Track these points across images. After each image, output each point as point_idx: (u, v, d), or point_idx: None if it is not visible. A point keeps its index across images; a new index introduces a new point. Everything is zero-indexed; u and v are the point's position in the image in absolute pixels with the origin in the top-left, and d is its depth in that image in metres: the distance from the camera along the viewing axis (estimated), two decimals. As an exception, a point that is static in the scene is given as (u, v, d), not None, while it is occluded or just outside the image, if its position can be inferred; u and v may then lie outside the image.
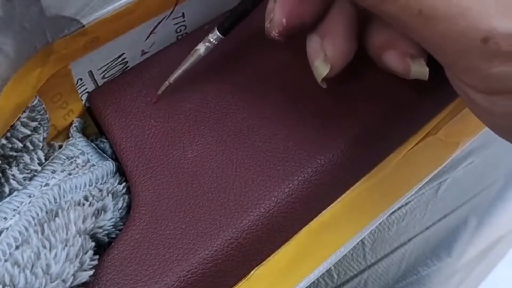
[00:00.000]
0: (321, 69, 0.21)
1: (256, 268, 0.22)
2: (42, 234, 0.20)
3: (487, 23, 0.15)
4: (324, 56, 0.20)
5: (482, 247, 0.49)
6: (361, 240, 0.37)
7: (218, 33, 0.23)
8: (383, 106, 0.23)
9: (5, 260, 0.19)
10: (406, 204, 0.39)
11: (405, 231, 0.41)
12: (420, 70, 0.20)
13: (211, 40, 0.23)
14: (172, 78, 0.24)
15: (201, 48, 0.23)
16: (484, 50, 0.15)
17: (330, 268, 0.36)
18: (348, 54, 0.21)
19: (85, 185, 0.22)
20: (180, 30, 0.26)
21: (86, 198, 0.22)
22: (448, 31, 0.16)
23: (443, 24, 0.16)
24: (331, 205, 0.23)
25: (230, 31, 0.22)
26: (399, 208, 0.39)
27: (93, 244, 0.20)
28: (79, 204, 0.21)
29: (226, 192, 0.21)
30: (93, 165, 0.24)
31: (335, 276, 0.38)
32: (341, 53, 0.20)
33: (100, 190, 0.22)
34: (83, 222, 0.20)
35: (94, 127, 0.27)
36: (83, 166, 0.24)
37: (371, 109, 0.23)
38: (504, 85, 0.16)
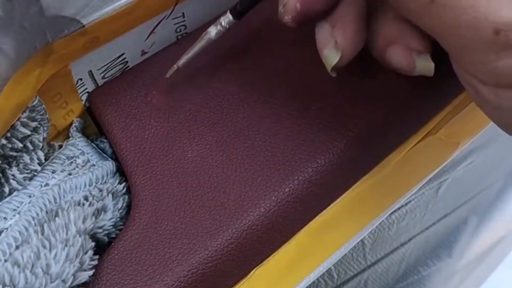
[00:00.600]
0: (331, 57, 0.20)
1: (256, 268, 0.22)
2: (42, 234, 0.20)
3: (498, 15, 0.15)
4: (334, 43, 0.20)
5: (482, 247, 0.49)
6: (361, 240, 0.37)
7: (230, 16, 0.22)
8: (383, 106, 0.23)
9: (5, 260, 0.19)
10: (406, 204, 0.39)
11: (405, 231, 0.41)
12: (425, 65, 0.20)
13: (223, 23, 0.22)
14: (180, 62, 0.23)
15: (212, 31, 0.22)
16: (494, 42, 0.15)
17: (330, 268, 0.36)
18: (358, 43, 0.20)
19: (85, 185, 0.22)
20: (180, 30, 0.26)
21: (86, 198, 0.22)
22: (459, 21, 0.15)
23: (453, 14, 0.15)
24: (331, 205, 0.23)
25: (244, 14, 0.22)
26: (399, 208, 0.39)
27: (93, 244, 0.20)
28: (79, 204, 0.21)
29: (226, 192, 0.21)
30: (93, 165, 0.24)
31: (335, 276, 0.38)
32: (351, 41, 0.20)
33: (100, 190, 0.22)
34: (83, 222, 0.20)
35: (94, 127, 0.27)
36: (83, 166, 0.24)
37: (371, 109, 0.23)
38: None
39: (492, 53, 0.15)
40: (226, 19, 0.22)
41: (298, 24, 0.20)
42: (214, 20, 0.26)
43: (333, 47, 0.20)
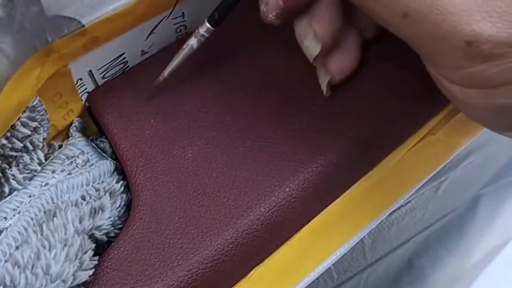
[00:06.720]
0: (312, 48, 0.21)
1: (256, 268, 0.22)
2: (41, 234, 0.20)
3: (470, 27, 0.15)
4: (313, 34, 0.21)
5: (486, 248, 0.49)
6: (361, 240, 0.37)
7: (208, 25, 0.22)
8: (383, 106, 0.23)
9: (5, 261, 0.19)
10: (406, 204, 0.39)
11: (405, 231, 0.41)
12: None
13: (202, 33, 0.22)
14: (165, 73, 0.24)
15: (193, 42, 0.23)
16: (466, 52, 0.16)
17: (330, 268, 0.36)
18: (335, 32, 0.21)
19: (82, 185, 0.22)
20: (180, 30, 0.26)
21: (83, 198, 0.22)
22: (431, 33, 0.16)
23: (426, 27, 0.16)
24: (331, 205, 0.23)
25: (221, 22, 0.22)
26: (399, 208, 0.39)
27: (93, 245, 0.20)
28: (76, 204, 0.21)
29: (226, 192, 0.21)
30: (93, 164, 0.24)
31: (335, 276, 0.38)
32: (329, 31, 0.21)
33: (97, 190, 0.22)
34: (81, 221, 0.20)
35: (94, 127, 0.27)
36: (83, 165, 0.24)
37: (371, 109, 0.23)
38: (481, 81, 0.16)
39: (464, 61, 0.16)
40: (204, 27, 0.22)
41: (282, 20, 0.20)
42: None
43: (312, 38, 0.21)
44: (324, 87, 0.23)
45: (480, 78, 0.16)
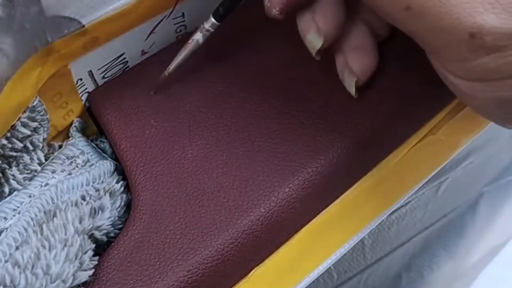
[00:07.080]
0: (314, 42, 0.21)
1: (256, 268, 0.22)
2: (41, 234, 0.20)
3: (474, 19, 0.15)
4: (316, 28, 0.21)
5: (486, 248, 0.49)
6: (361, 240, 0.37)
7: (213, 20, 0.22)
8: (383, 106, 0.23)
9: (6, 261, 0.19)
10: (406, 204, 0.39)
11: (405, 231, 0.41)
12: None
13: (207, 27, 0.22)
14: (170, 68, 0.24)
15: (199, 37, 0.23)
16: (469, 45, 0.16)
17: (330, 268, 0.36)
18: (338, 25, 0.21)
19: (82, 185, 0.22)
20: (180, 30, 0.26)
21: (83, 198, 0.22)
22: (434, 26, 0.16)
23: (429, 20, 0.16)
24: (331, 205, 0.23)
25: (226, 17, 0.22)
26: (399, 208, 0.39)
27: (93, 245, 0.20)
28: (76, 204, 0.21)
29: (226, 192, 0.21)
30: (93, 164, 0.24)
31: (335, 276, 0.38)
32: (332, 24, 0.21)
33: (97, 190, 0.22)
34: (81, 221, 0.20)
35: (94, 127, 0.27)
36: (83, 165, 0.24)
37: (372, 109, 0.23)
38: (486, 74, 0.16)
39: (468, 54, 0.16)
40: (210, 22, 0.22)
41: (285, 15, 0.20)
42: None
43: (315, 31, 0.21)
44: (352, 89, 0.23)
45: (484, 71, 0.16)
